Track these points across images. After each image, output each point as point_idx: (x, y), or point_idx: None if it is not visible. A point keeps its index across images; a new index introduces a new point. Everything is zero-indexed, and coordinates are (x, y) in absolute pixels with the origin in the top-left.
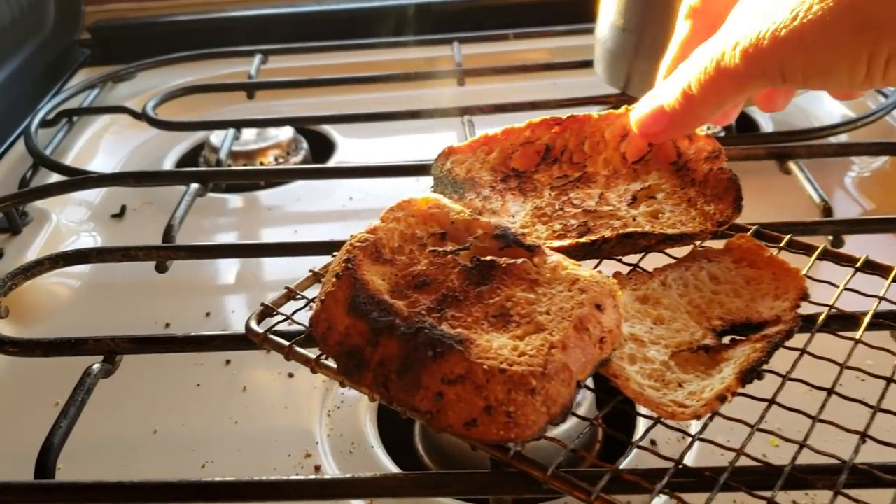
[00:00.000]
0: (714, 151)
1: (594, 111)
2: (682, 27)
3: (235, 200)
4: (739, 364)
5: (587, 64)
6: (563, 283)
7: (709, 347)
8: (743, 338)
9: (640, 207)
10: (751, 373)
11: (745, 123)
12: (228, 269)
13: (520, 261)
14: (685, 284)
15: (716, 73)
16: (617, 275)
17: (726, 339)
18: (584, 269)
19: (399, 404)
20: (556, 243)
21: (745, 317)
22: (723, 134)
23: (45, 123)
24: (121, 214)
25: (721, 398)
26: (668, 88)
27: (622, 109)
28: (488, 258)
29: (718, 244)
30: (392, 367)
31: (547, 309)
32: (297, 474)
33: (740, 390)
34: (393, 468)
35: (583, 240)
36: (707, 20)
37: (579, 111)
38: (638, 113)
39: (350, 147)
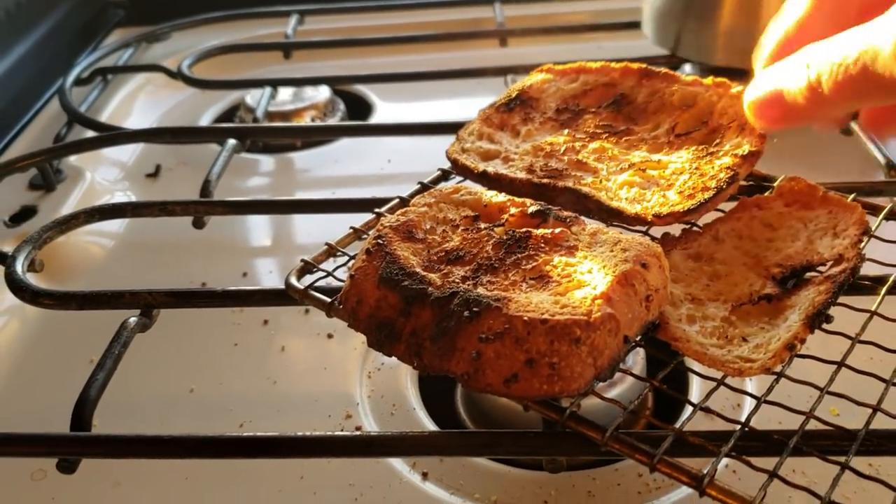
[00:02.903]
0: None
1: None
2: (797, 2)
3: (270, 162)
4: (805, 309)
5: (632, 25)
6: (605, 245)
7: (770, 297)
8: (805, 282)
9: (632, 176)
10: (818, 316)
11: None
12: (265, 229)
13: (557, 230)
14: (738, 236)
15: (860, 76)
16: (665, 236)
17: (788, 286)
18: (626, 234)
19: (433, 371)
20: (504, 170)
21: (805, 260)
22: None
23: (79, 82)
24: (155, 174)
25: (790, 347)
26: (789, 73)
27: (733, 87)
28: (524, 230)
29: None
30: (425, 334)
31: (589, 268)
32: None
33: (807, 353)
34: (435, 430)
35: (533, 179)
36: (836, 1)
37: None
38: (753, 93)
39: (388, 110)
